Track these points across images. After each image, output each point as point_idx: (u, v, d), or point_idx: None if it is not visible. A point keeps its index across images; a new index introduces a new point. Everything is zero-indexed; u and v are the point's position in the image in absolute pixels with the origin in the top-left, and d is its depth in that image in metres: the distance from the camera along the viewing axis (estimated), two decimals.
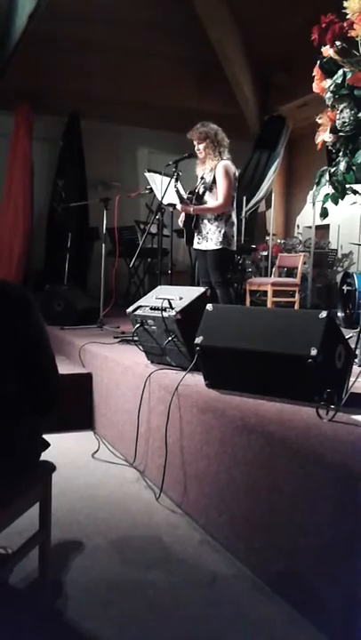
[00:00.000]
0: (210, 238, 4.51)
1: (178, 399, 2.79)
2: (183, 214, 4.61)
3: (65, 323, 5.43)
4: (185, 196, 4.54)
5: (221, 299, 4.43)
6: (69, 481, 3.01)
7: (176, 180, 4.46)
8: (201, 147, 4.54)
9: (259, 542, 2.16)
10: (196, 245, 4.66)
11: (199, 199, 4.55)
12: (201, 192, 4.54)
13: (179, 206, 4.53)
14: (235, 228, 4.60)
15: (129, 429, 3.34)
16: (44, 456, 1.96)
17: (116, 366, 3.71)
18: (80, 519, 2.61)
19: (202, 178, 4.58)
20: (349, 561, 1.72)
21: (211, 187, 4.48)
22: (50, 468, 1.95)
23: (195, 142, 4.58)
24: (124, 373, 3.54)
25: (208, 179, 4.50)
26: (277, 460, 2.07)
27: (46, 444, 1.96)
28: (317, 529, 1.85)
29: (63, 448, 3.45)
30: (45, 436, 1.96)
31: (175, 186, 4.43)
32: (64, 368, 3.73)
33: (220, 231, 4.47)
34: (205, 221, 4.54)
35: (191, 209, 4.49)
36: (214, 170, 4.47)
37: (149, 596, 2.02)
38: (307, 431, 2.16)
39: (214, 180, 4.46)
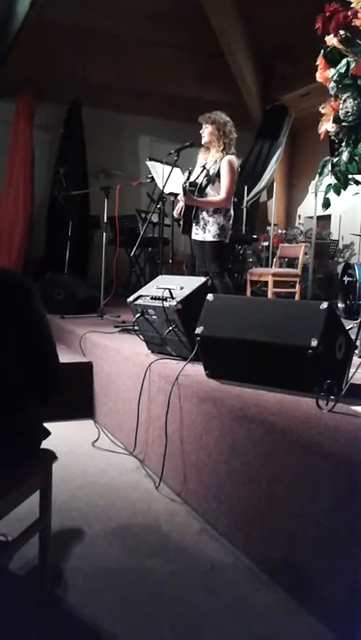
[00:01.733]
0: (208, 230, 4.52)
1: (178, 389, 2.80)
2: (180, 204, 4.61)
3: (65, 311, 5.44)
4: (187, 188, 4.53)
5: (220, 289, 4.43)
6: (69, 469, 3.03)
7: (189, 174, 4.50)
8: (206, 131, 4.54)
9: (258, 531, 2.17)
10: (193, 236, 4.66)
11: (201, 191, 4.54)
12: (204, 184, 4.52)
13: (181, 197, 4.52)
14: (231, 222, 4.63)
15: (129, 418, 3.35)
16: (45, 444, 1.97)
17: (116, 355, 3.71)
18: (80, 507, 2.62)
19: (203, 167, 4.56)
20: (348, 550, 1.73)
21: (214, 180, 4.48)
22: (50, 456, 1.96)
23: (203, 125, 4.57)
24: (125, 363, 3.55)
25: (212, 171, 4.50)
26: (277, 450, 2.08)
27: (47, 433, 1.96)
28: (316, 518, 1.86)
29: (64, 436, 3.46)
30: (46, 425, 1.97)
31: (183, 185, 4.45)
32: (65, 357, 3.73)
33: (218, 224, 4.49)
34: (204, 213, 4.54)
35: (194, 201, 4.48)
36: (219, 163, 4.47)
37: (148, 583, 2.04)
38: (306, 421, 2.17)
39: (218, 174, 4.46)
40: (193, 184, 4.52)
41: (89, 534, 2.37)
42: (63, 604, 1.90)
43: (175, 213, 4.70)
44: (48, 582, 1.99)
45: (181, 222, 4.67)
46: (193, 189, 4.50)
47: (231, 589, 2.02)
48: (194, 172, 4.61)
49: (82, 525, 2.44)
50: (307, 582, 1.89)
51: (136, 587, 2.01)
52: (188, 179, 4.56)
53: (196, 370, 2.95)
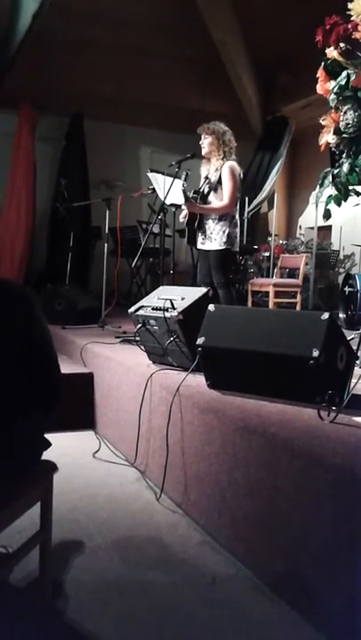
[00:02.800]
0: (214, 238, 4.51)
1: (179, 399, 2.80)
2: (185, 211, 4.61)
3: (66, 322, 5.44)
4: (190, 195, 4.54)
5: (223, 299, 4.42)
6: (70, 480, 3.02)
7: (185, 180, 4.48)
8: (206, 142, 4.56)
9: (259, 543, 2.16)
10: (199, 245, 4.66)
11: (204, 199, 4.55)
12: (206, 192, 4.54)
13: (184, 205, 4.53)
14: (238, 229, 4.61)
15: (130, 429, 3.34)
16: (46, 455, 1.96)
17: (117, 366, 3.71)
18: (80, 518, 2.61)
19: (206, 177, 4.58)
20: (350, 563, 1.71)
21: (216, 187, 4.48)
22: (51, 467, 1.95)
23: (202, 136, 4.59)
24: (126, 373, 3.54)
25: (213, 179, 4.51)
26: (278, 462, 2.07)
27: (48, 444, 1.96)
28: (318, 530, 1.85)
29: (64, 447, 3.45)
30: (47, 436, 1.96)
31: (183, 185, 4.44)
32: (65, 367, 3.73)
33: (224, 232, 4.47)
34: (210, 221, 4.53)
35: (196, 208, 4.49)
36: (220, 170, 4.48)
37: (149, 595, 2.02)
38: (308, 432, 2.16)
39: (219, 181, 4.46)
40: (196, 192, 4.53)
41: (89, 546, 2.36)
42: (64, 617, 1.89)
43: (181, 218, 4.69)
44: (48, 594, 1.97)
45: (186, 233, 4.68)
46: (195, 197, 4.51)
47: (233, 602, 2.00)
48: (189, 179, 4.60)
49: (82, 537, 2.43)
50: (309, 595, 1.88)
51: (137, 599, 2.00)
52: (185, 180, 4.53)
53: (198, 380, 2.95)
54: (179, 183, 4.51)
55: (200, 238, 4.62)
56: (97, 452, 3.53)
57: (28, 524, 1.96)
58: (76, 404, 3.93)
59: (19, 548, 1.85)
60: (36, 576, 2.00)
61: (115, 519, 2.63)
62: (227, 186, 4.43)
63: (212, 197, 4.53)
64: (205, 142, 4.56)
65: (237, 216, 4.61)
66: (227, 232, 4.47)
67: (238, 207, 4.65)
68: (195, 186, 4.73)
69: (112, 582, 2.10)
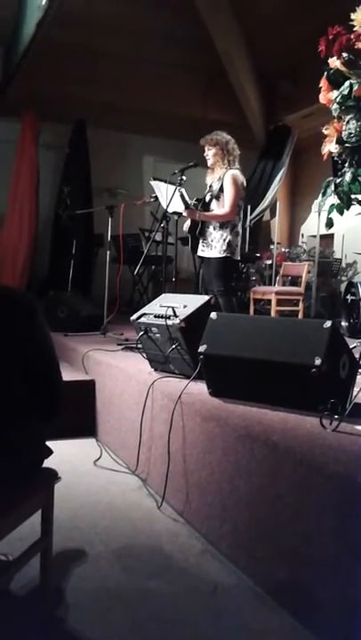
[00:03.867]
0: (214, 246, 4.51)
1: (181, 407, 2.79)
2: (189, 220, 4.62)
3: (68, 329, 5.44)
4: (190, 202, 4.55)
5: (224, 307, 4.41)
6: (71, 488, 3.01)
7: (180, 184, 4.47)
8: (210, 153, 4.58)
9: (261, 552, 2.15)
10: (200, 252, 4.66)
11: (206, 206, 4.56)
12: (208, 200, 4.55)
13: (184, 212, 4.54)
14: (239, 238, 4.60)
15: (131, 437, 3.34)
16: (47, 463, 1.96)
17: (119, 373, 3.71)
18: (81, 526, 2.60)
19: (210, 186, 4.59)
20: (352, 571, 1.71)
21: (218, 195, 4.49)
22: (53, 475, 1.95)
23: (205, 148, 4.61)
24: (128, 381, 3.54)
25: (215, 187, 4.52)
26: (281, 470, 2.07)
27: (49, 451, 1.95)
28: (320, 539, 1.84)
29: (65, 455, 3.44)
30: (48, 443, 1.96)
31: (180, 190, 4.43)
32: (67, 374, 3.73)
33: (224, 239, 4.47)
34: (210, 229, 4.54)
35: (197, 215, 4.50)
36: (222, 178, 4.49)
37: (150, 604, 2.01)
38: (310, 441, 2.15)
39: (221, 189, 4.47)
40: (198, 199, 4.54)
41: (90, 554, 2.35)
42: (64, 625, 1.88)
43: (185, 227, 4.70)
44: (49, 602, 1.97)
45: (189, 239, 4.69)
46: (196, 204, 4.52)
47: (234, 611, 1.99)
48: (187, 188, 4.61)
49: (83, 545, 2.42)
50: (311, 604, 1.87)
51: (138, 608, 1.99)
52: (180, 185, 4.51)
53: (200, 388, 2.95)
54: (171, 189, 4.51)
55: (201, 245, 4.63)
56: (98, 459, 3.52)
57: (29, 531, 1.95)
58: (77, 412, 3.92)
59: (19, 556, 1.85)
60: (37, 584, 1.99)
61: (116, 527, 2.62)
62: (228, 194, 4.43)
63: (214, 205, 4.54)
64: (210, 154, 4.58)
65: (240, 225, 4.61)
66: (227, 240, 4.47)
67: (241, 216, 4.63)
68: (195, 194, 4.74)
69: (113, 591, 2.09)
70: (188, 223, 4.63)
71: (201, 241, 4.62)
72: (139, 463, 3.21)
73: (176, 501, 2.79)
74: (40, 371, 1.91)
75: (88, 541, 2.46)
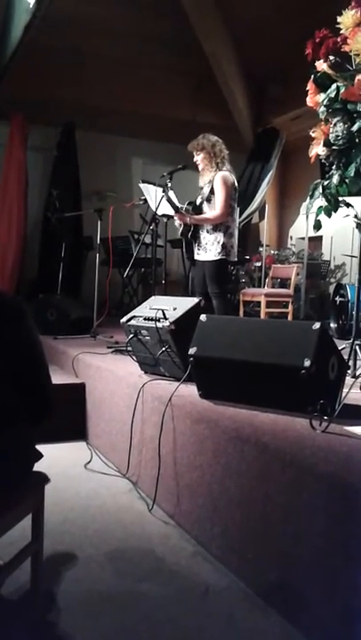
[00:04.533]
0: (208, 249, 4.51)
1: (171, 410, 2.79)
2: (182, 224, 4.61)
3: (58, 332, 5.43)
4: (179, 206, 4.54)
5: (218, 309, 4.41)
6: (62, 492, 3.00)
7: (164, 190, 4.46)
8: (199, 158, 4.59)
9: (252, 553, 2.15)
10: (195, 256, 4.66)
11: (197, 210, 4.56)
12: (199, 203, 4.55)
13: (175, 216, 4.54)
14: (234, 239, 4.56)
15: (122, 440, 3.34)
16: (37, 467, 1.95)
17: (109, 376, 3.70)
18: (72, 530, 2.60)
19: (202, 189, 4.60)
20: (343, 573, 1.72)
21: (209, 197, 4.49)
22: (43, 479, 1.94)
23: (194, 154, 4.61)
24: (118, 384, 3.54)
25: (206, 189, 4.52)
26: (271, 471, 2.07)
27: (39, 455, 1.95)
28: (311, 540, 1.85)
29: (56, 458, 3.44)
30: (38, 447, 1.96)
31: (167, 194, 4.42)
32: (57, 378, 3.72)
33: (218, 242, 4.46)
34: (204, 232, 4.53)
35: (188, 219, 4.50)
36: (212, 181, 4.49)
37: (142, 607, 2.01)
38: (300, 442, 2.16)
39: (212, 191, 4.47)
40: (190, 203, 4.54)
41: (81, 558, 2.35)
42: (56, 629, 1.87)
43: (176, 223, 4.69)
44: (40, 606, 1.96)
45: (183, 244, 4.68)
46: (187, 207, 4.52)
47: (225, 613, 1.99)
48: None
49: (74, 549, 2.41)
50: (302, 605, 1.87)
51: (129, 610, 1.99)
52: (165, 190, 4.52)
53: (190, 390, 2.95)
54: (172, 196, 4.52)
55: (195, 249, 4.62)
56: (89, 462, 3.52)
57: (20, 535, 1.95)
58: (67, 415, 3.91)
59: (10, 560, 1.84)
60: (28, 588, 1.99)
61: (107, 530, 2.62)
62: (219, 196, 4.43)
63: (205, 208, 4.54)
64: (199, 159, 4.59)
65: (234, 226, 4.57)
66: (221, 242, 4.46)
67: (236, 217, 4.62)
68: (185, 198, 4.74)
69: (104, 594, 2.09)
70: (178, 223, 4.62)
71: (196, 245, 4.62)
72: (129, 466, 3.21)
73: (167, 504, 2.79)
74: (30, 374, 1.90)
75: (79, 545, 2.45)
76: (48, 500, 1.99)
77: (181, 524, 2.65)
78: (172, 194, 4.54)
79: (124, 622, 1.92)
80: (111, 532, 2.61)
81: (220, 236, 4.46)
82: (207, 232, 4.51)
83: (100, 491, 3.09)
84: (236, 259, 4.65)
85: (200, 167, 4.61)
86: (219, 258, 4.46)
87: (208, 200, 4.50)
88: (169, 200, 4.43)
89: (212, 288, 4.51)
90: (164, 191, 4.45)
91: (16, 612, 1.99)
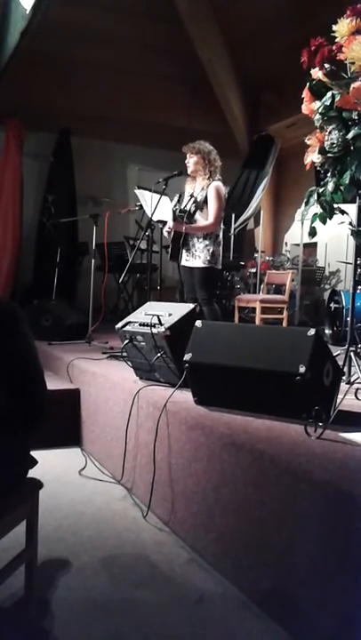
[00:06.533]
0: (198, 256, 4.55)
1: (166, 416, 2.79)
2: (170, 227, 4.63)
3: (53, 338, 5.42)
4: (177, 214, 4.57)
5: (208, 316, 4.45)
6: (56, 498, 2.99)
7: (178, 201, 4.57)
8: (191, 161, 4.61)
9: (247, 561, 2.15)
10: (183, 262, 4.69)
11: (190, 217, 4.58)
12: (192, 211, 4.57)
13: (171, 224, 4.56)
14: (221, 247, 4.68)
15: (117, 446, 3.33)
16: (31, 473, 1.94)
17: (104, 382, 3.70)
18: (66, 537, 2.58)
19: (192, 196, 4.61)
20: (338, 580, 1.71)
21: (202, 206, 4.53)
22: (37, 485, 1.94)
23: (187, 156, 4.64)
24: (113, 389, 3.53)
25: (199, 198, 4.55)
26: (266, 478, 2.07)
27: (34, 462, 1.94)
28: (306, 547, 1.85)
29: (50, 464, 3.42)
30: (32, 453, 1.95)
31: (174, 207, 4.50)
32: (52, 384, 3.71)
33: (208, 250, 4.52)
34: (194, 239, 4.58)
35: (183, 227, 4.52)
36: (206, 190, 4.53)
37: (136, 614, 2.00)
38: (295, 448, 2.17)
39: (205, 200, 4.51)
40: (183, 211, 4.57)
41: (75, 565, 2.33)
42: (49, 636, 1.86)
43: (165, 230, 4.71)
44: (34, 614, 1.95)
45: (170, 249, 4.71)
46: (182, 215, 4.55)
47: (220, 620, 1.99)
48: (183, 200, 4.66)
49: (68, 556, 2.40)
50: (297, 612, 1.87)
51: (124, 618, 1.98)
52: (180, 201, 4.60)
53: (185, 396, 2.95)
54: (167, 202, 4.55)
55: (184, 255, 4.66)
56: (83, 469, 3.50)
57: (14, 542, 1.94)
58: (62, 421, 3.90)
59: (4, 567, 1.83)
60: (22, 595, 1.97)
61: (101, 537, 2.60)
62: (213, 205, 4.48)
63: (198, 216, 4.57)
64: (191, 161, 4.62)
65: (221, 235, 4.67)
66: (211, 250, 4.53)
67: (222, 226, 4.70)
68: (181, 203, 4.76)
69: (98, 601, 2.07)
70: (168, 227, 4.63)
71: (185, 251, 4.64)
72: (124, 472, 3.20)
73: (162, 511, 2.78)
74: (24, 380, 1.90)
75: (73, 552, 2.44)
76: (42, 507, 1.98)
77: (176, 530, 2.64)
78: (167, 200, 4.57)
79: (119, 629, 1.91)
80: (105, 538, 2.60)
81: (210, 244, 4.54)
82: (197, 240, 4.56)
83: (95, 497, 3.08)
84: (220, 266, 4.72)
85: (190, 170, 4.64)
86: (208, 265, 4.53)
87: (201, 209, 4.53)
88: (174, 212, 4.50)
89: (201, 294, 4.58)
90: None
91: (9, 619, 1.97)
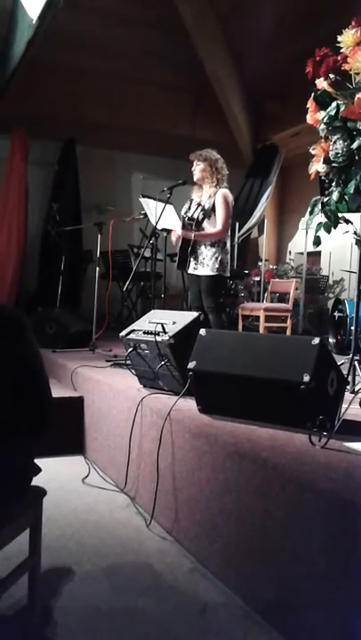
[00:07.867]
0: (206, 264, 4.56)
1: (170, 424, 2.79)
2: (178, 235, 4.64)
3: (57, 345, 5.42)
4: (186, 222, 4.59)
5: (214, 324, 4.46)
6: (59, 506, 2.99)
7: (190, 205, 4.60)
8: (198, 168, 4.63)
9: (250, 570, 2.14)
10: (191, 270, 4.69)
11: (197, 225, 4.59)
12: (201, 219, 4.58)
13: (180, 231, 4.57)
14: (229, 256, 4.68)
15: (120, 454, 3.32)
16: (35, 481, 1.94)
17: (108, 390, 3.70)
18: (70, 545, 2.58)
19: (199, 204, 4.62)
20: (342, 590, 1.70)
21: (210, 214, 4.54)
22: (40, 493, 1.94)
23: (194, 163, 4.65)
24: (116, 397, 3.53)
25: (207, 205, 4.56)
26: (270, 487, 2.06)
27: (37, 470, 1.94)
28: (310, 557, 1.84)
29: (53, 473, 3.42)
30: (36, 461, 1.95)
31: (184, 214, 4.53)
32: (55, 391, 3.67)
33: (216, 257, 4.53)
34: (202, 247, 4.59)
35: (192, 235, 4.53)
36: (213, 197, 4.54)
37: (139, 623, 2.00)
38: (299, 458, 2.16)
39: (213, 208, 4.53)
40: (191, 218, 4.58)
41: (79, 573, 2.33)
42: None
43: (173, 238, 4.72)
44: (37, 622, 1.94)
45: (177, 257, 4.71)
46: (191, 223, 4.56)
47: (224, 630, 1.98)
48: (190, 208, 4.66)
49: (71, 564, 2.40)
50: (301, 622, 1.86)
51: (127, 627, 1.97)
52: (190, 208, 4.61)
53: (189, 405, 2.95)
54: (171, 211, 4.57)
55: (192, 264, 4.66)
56: (86, 477, 3.50)
57: (17, 550, 1.93)
58: (65, 429, 3.90)
59: (7, 576, 1.83)
60: (25, 603, 1.97)
61: (104, 546, 2.60)
62: (221, 213, 4.50)
63: (205, 224, 4.58)
64: (198, 169, 4.63)
65: (228, 242, 4.68)
66: (219, 258, 4.53)
67: (230, 233, 4.70)
68: (180, 209, 4.77)
69: (101, 610, 2.07)
70: (176, 235, 4.65)
71: (192, 259, 4.65)
72: (127, 481, 3.20)
73: (165, 519, 2.77)
74: (29, 387, 1.90)
75: (76, 560, 2.43)
76: (45, 515, 1.98)
77: (179, 539, 2.63)
78: (172, 209, 4.59)
79: (122, 639, 1.90)
80: (109, 547, 2.59)
81: (218, 252, 4.54)
82: (205, 247, 4.56)
83: (98, 506, 3.07)
84: (229, 274, 4.73)
85: (196, 177, 4.65)
86: (216, 273, 4.53)
87: (208, 216, 4.54)
88: (183, 218, 4.53)
89: (208, 302, 4.57)
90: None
91: (13, 628, 1.97)
